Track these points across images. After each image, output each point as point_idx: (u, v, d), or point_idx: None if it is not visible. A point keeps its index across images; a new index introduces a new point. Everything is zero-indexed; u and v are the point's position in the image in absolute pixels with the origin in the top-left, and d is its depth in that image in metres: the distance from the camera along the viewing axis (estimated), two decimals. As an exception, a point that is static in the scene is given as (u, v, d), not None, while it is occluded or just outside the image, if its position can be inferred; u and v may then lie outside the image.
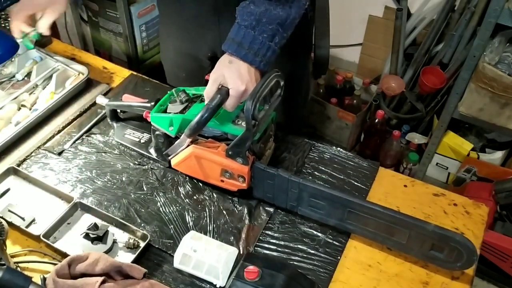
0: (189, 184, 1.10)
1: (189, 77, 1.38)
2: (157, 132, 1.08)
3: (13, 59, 1.33)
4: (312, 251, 0.98)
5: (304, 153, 1.17)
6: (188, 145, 1.02)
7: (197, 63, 1.33)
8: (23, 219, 1.00)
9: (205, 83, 1.09)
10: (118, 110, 1.23)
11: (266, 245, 0.99)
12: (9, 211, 1.00)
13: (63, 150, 1.17)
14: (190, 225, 1.02)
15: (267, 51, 0.95)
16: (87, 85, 1.33)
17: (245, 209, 1.05)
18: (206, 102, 0.95)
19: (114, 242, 0.97)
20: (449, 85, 2.07)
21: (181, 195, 1.08)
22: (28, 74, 1.33)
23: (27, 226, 0.99)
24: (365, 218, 0.94)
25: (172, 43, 1.37)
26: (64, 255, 0.94)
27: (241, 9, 0.95)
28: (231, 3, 1.00)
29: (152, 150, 1.15)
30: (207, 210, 1.05)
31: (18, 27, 1.18)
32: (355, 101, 2.31)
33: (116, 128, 1.22)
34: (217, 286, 0.91)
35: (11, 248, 0.96)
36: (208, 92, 0.96)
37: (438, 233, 0.88)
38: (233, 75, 0.93)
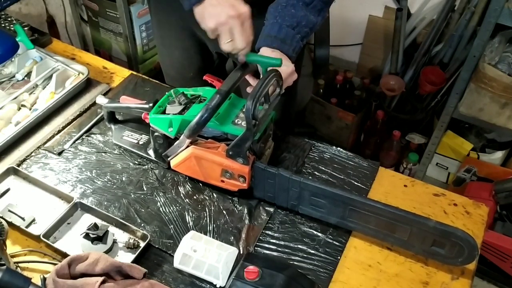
0: (189, 184, 1.10)
1: (197, 75, 1.39)
2: (156, 134, 1.07)
3: (13, 59, 1.33)
4: (312, 251, 0.98)
5: (304, 153, 1.17)
6: (188, 146, 1.02)
7: (207, 59, 1.36)
8: (23, 219, 1.00)
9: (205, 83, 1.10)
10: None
11: (266, 245, 0.99)
12: (9, 211, 1.00)
13: (63, 150, 1.17)
14: (190, 225, 1.02)
15: (299, 49, 1.04)
16: (87, 85, 1.33)
17: (245, 209, 1.05)
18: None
19: (114, 242, 0.97)
20: (449, 85, 2.07)
21: (181, 195, 1.08)
22: (28, 74, 1.33)
23: (27, 226, 0.99)
24: (367, 215, 0.94)
25: (179, 45, 1.36)
26: (64, 255, 0.94)
27: (281, 11, 1.02)
28: None
29: (150, 152, 1.15)
30: (207, 210, 1.05)
31: None
32: (355, 101, 2.31)
33: (114, 130, 1.21)
34: (217, 286, 0.90)
35: (11, 248, 0.96)
36: None
37: (439, 229, 0.88)
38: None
